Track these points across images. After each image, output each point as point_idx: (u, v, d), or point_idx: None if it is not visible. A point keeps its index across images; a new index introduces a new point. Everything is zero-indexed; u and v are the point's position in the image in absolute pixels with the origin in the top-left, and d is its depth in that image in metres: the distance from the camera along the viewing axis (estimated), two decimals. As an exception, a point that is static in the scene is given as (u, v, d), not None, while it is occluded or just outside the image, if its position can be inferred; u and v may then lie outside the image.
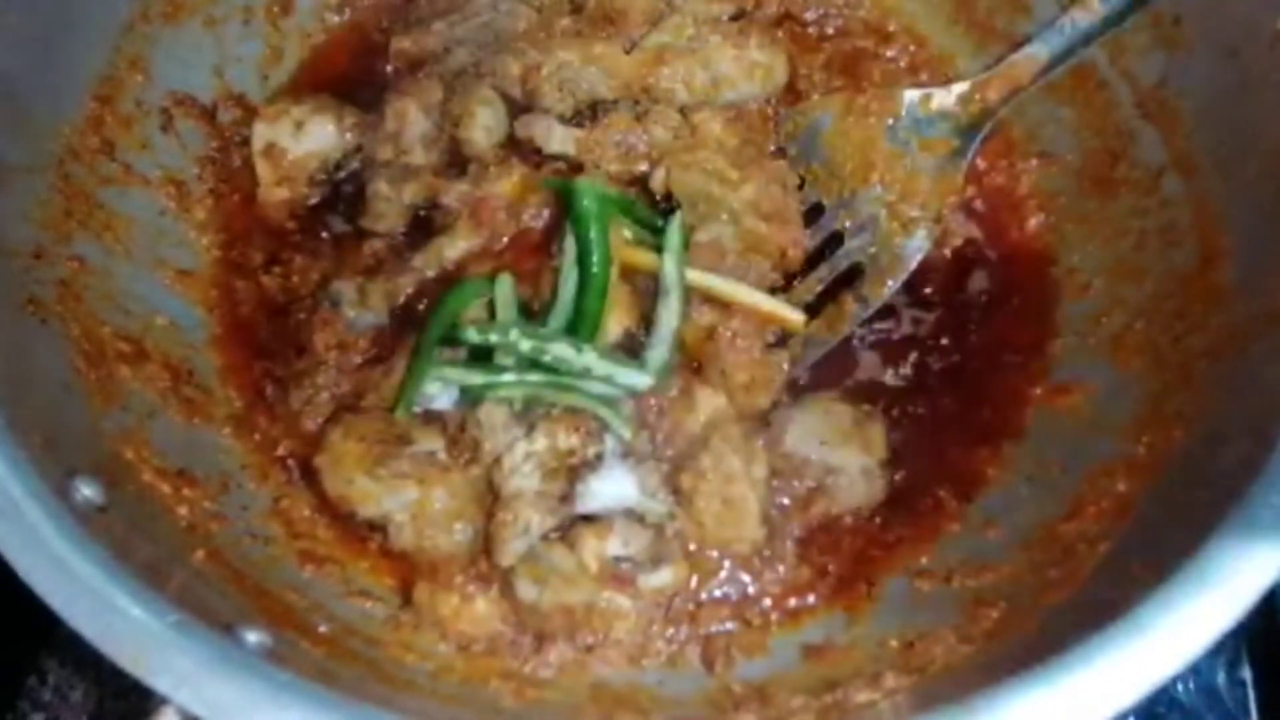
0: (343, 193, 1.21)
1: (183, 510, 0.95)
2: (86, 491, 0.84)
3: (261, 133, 1.19)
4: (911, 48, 1.29)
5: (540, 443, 1.00)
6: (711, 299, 1.07)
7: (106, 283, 1.05)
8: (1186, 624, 0.74)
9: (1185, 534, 0.79)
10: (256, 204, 1.20)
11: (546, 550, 0.97)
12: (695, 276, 1.06)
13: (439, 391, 1.04)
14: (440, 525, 1.01)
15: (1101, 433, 1.02)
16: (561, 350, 1.01)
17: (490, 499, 1.01)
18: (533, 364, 1.02)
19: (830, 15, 1.31)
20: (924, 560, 1.04)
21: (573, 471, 1.00)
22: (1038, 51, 1.13)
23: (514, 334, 1.01)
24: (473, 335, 1.02)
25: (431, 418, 1.05)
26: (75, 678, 1.11)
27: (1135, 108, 1.13)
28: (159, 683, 0.72)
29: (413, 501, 1.01)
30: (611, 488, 0.99)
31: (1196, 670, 1.11)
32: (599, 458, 1.00)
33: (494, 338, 1.02)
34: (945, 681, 0.88)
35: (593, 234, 1.04)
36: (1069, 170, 1.19)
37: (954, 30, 1.29)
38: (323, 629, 0.93)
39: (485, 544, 1.00)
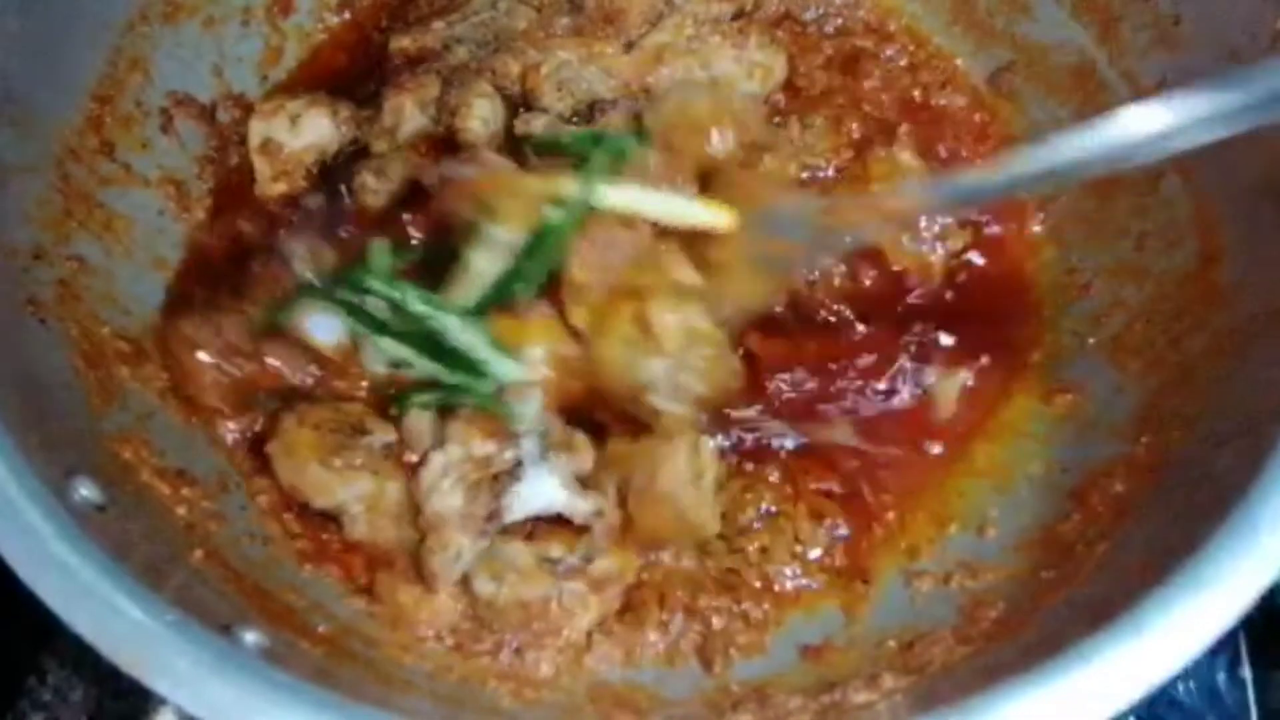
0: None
1: (181, 510, 0.95)
2: (85, 491, 0.84)
3: (258, 129, 1.19)
4: (911, 47, 1.29)
5: (455, 452, 0.97)
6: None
7: (106, 283, 1.05)
8: (1186, 624, 0.74)
9: (1185, 534, 0.79)
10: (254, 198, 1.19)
11: (502, 546, 0.97)
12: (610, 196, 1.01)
13: (321, 320, 1.03)
14: (395, 517, 1.00)
15: (1100, 433, 1.02)
16: (446, 320, 0.99)
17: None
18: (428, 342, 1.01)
19: (830, 15, 1.31)
20: (922, 560, 1.04)
21: (495, 482, 0.98)
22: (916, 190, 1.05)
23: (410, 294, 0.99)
24: (375, 283, 1.00)
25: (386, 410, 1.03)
26: (75, 678, 1.11)
27: (1135, 108, 1.12)
28: (157, 683, 0.72)
29: (367, 494, 0.99)
30: (536, 495, 0.97)
31: (1196, 670, 1.11)
32: (518, 464, 0.98)
33: (393, 292, 1.00)
34: (944, 682, 0.88)
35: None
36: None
37: (953, 30, 1.29)
38: (321, 629, 0.93)
39: (418, 568, 0.98)
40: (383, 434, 1.02)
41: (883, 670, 0.91)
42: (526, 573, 0.97)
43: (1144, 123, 0.81)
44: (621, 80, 1.19)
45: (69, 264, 1.02)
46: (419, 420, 1.00)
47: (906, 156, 1.18)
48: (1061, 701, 0.73)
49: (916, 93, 1.27)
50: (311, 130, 1.18)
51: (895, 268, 1.15)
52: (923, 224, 1.14)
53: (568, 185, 0.99)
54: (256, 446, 1.05)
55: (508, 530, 0.99)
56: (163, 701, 0.73)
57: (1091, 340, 1.10)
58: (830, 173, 1.20)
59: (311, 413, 1.02)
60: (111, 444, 0.95)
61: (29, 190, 1.01)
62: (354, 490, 0.99)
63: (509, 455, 0.98)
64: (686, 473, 0.98)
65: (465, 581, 0.98)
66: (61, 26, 1.05)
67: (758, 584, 1.04)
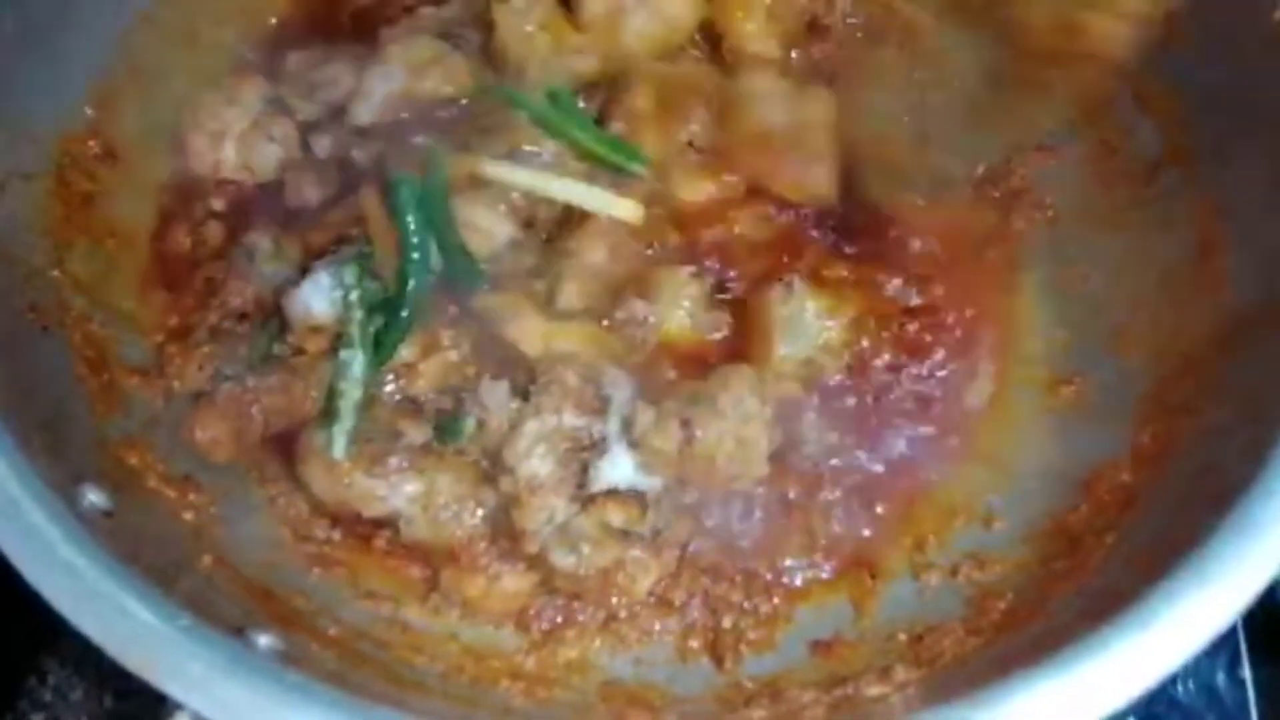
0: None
1: (189, 515, 0.95)
2: (92, 498, 0.84)
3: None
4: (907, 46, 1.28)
5: (549, 420, 0.99)
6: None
7: (107, 289, 1.05)
8: (1193, 616, 0.75)
9: (1191, 525, 0.80)
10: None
11: (572, 519, 0.98)
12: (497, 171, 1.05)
13: (311, 292, 1.03)
14: (452, 510, 1.00)
15: (1106, 424, 1.03)
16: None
17: (497, 475, 1.00)
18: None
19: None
20: (930, 553, 1.04)
21: (582, 454, 1.00)
22: None
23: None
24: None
25: (408, 407, 1.04)
26: (75, 678, 1.10)
27: (1133, 100, 1.13)
28: (171, 688, 0.72)
29: (420, 493, 1.00)
30: (616, 469, 1.00)
31: (1196, 670, 1.11)
32: (603, 439, 1.00)
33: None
34: (955, 674, 0.88)
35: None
36: (1066, 163, 1.19)
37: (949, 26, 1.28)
38: (332, 631, 0.93)
39: (509, 528, 0.99)
40: (416, 432, 1.02)
41: (894, 663, 0.91)
42: (598, 541, 0.98)
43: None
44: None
45: (70, 270, 1.02)
46: (496, 390, 1.01)
47: None
48: (1072, 692, 0.73)
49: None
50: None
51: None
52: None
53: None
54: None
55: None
56: (178, 705, 0.73)
57: (1094, 331, 1.10)
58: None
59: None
60: (117, 450, 0.95)
61: (29, 197, 1.00)
62: (406, 493, 1.00)
63: (596, 430, 1.00)
64: (748, 403, 1.01)
65: (537, 561, 0.99)
66: (62, 33, 1.04)
67: (768, 575, 1.04)
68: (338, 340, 1.02)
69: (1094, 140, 1.17)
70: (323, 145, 1.16)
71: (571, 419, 1.00)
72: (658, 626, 1.02)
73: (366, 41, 1.19)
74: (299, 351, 1.04)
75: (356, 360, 1.01)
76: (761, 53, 1.22)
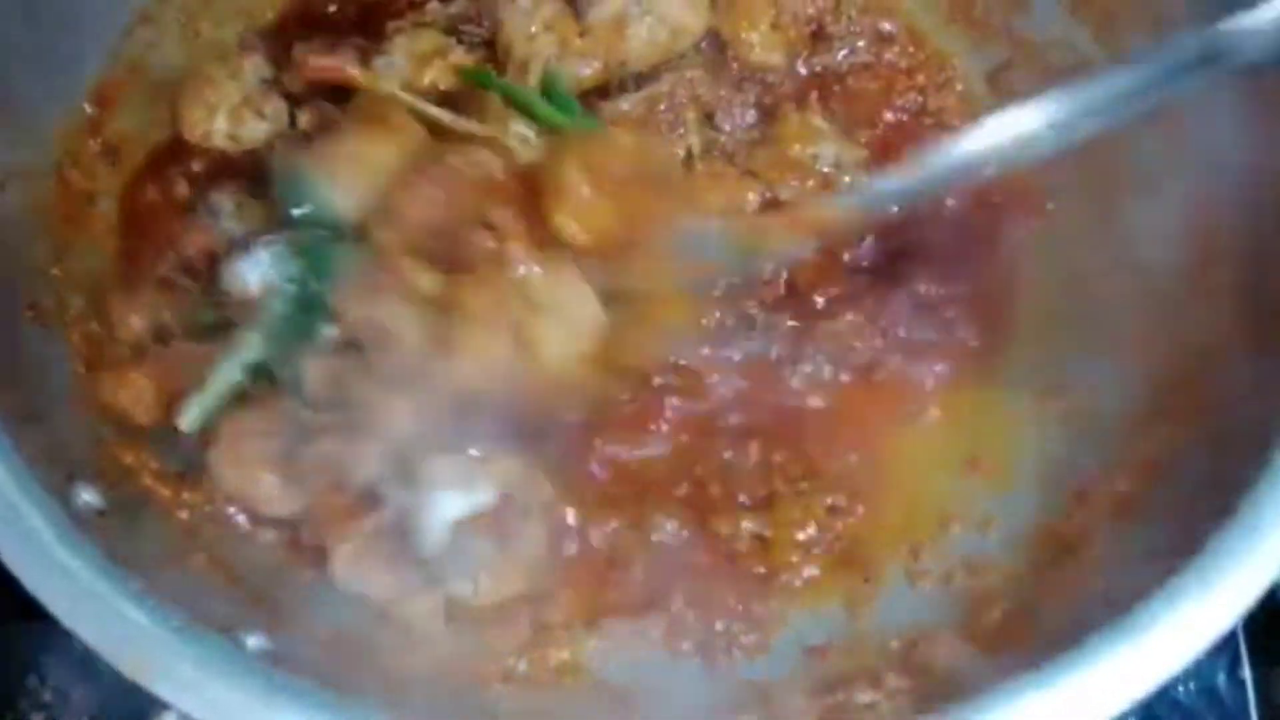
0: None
1: (183, 514, 0.96)
2: (86, 496, 0.84)
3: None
4: (910, 49, 1.28)
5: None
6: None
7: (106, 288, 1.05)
8: (1190, 622, 0.74)
9: (1187, 532, 0.79)
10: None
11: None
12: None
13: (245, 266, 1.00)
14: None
15: (1102, 431, 1.02)
16: None
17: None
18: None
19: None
20: (924, 559, 1.04)
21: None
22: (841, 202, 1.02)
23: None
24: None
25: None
26: (75, 678, 1.11)
27: (1133, 103, 1.12)
28: (160, 688, 0.72)
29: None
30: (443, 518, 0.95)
31: (1197, 670, 1.11)
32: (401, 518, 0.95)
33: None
34: (948, 681, 0.88)
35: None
36: (1067, 169, 1.19)
37: (951, 29, 1.28)
38: (323, 632, 0.93)
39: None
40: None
41: (886, 670, 0.91)
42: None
43: (1045, 114, 0.90)
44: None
45: (69, 269, 1.02)
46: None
47: (817, 120, 1.18)
48: (1066, 700, 0.73)
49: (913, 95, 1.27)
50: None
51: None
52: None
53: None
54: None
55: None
56: (165, 705, 0.73)
57: (1092, 338, 1.10)
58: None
59: (247, 412, 0.97)
60: (113, 449, 0.95)
61: (28, 195, 1.00)
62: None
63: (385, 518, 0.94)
64: None
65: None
66: (61, 31, 1.05)
67: (762, 569, 1.04)
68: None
69: (1095, 145, 1.16)
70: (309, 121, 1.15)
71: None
72: (650, 629, 1.01)
73: (370, 35, 1.19)
74: (226, 324, 1.01)
75: (252, 347, 0.98)
76: (766, 61, 1.23)
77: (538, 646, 1.00)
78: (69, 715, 1.10)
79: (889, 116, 1.24)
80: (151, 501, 0.94)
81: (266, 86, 1.17)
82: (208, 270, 1.05)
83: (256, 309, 0.99)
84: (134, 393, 0.99)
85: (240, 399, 0.99)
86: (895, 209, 0.99)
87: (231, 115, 1.14)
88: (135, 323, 1.03)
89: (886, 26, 1.28)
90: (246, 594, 0.91)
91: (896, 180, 0.97)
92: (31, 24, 1.00)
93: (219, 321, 1.02)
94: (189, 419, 0.97)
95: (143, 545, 0.86)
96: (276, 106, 1.16)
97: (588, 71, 1.18)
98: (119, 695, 1.09)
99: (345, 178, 1.00)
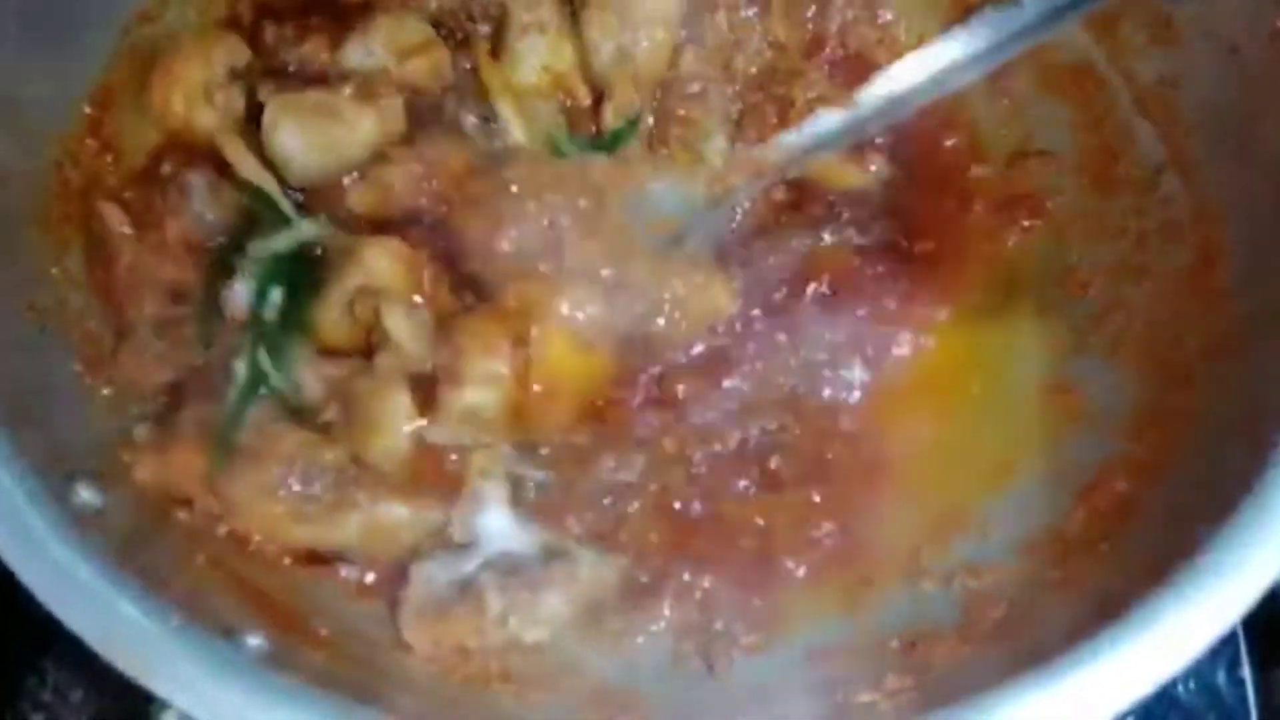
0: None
1: (182, 514, 0.95)
2: (86, 495, 0.84)
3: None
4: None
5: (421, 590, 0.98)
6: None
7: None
8: (1189, 624, 0.75)
9: (1188, 533, 0.80)
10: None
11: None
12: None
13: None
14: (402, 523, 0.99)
15: (1102, 432, 1.02)
16: None
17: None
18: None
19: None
20: (924, 560, 1.04)
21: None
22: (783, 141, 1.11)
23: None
24: None
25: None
26: (75, 678, 1.11)
27: (1134, 105, 1.12)
28: (160, 687, 0.72)
29: (361, 524, 0.98)
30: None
31: (1196, 670, 1.11)
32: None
33: None
34: (947, 683, 0.88)
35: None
36: (1068, 168, 1.19)
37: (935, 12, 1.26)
38: (324, 633, 0.93)
39: None
40: (335, 454, 0.99)
41: (886, 670, 0.91)
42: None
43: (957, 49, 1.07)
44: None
45: (68, 269, 1.02)
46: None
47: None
48: (1065, 701, 0.73)
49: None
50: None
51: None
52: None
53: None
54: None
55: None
56: (164, 705, 0.73)
57: (1092, 339, 1.10)
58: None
59: (252, 468, 0.97)
60: (112, 448, 0.95)
61: (27, 195, 1.00)
62: (349, 526, 0.98)
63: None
64: None
65: None
66: (60, 31, 1.04)
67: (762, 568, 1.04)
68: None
69: (1094, 145, 1.17)
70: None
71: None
72: (650, 628, 1.01)
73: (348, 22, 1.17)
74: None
75: (257, 364, 1.00)
76: None
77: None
78: (69, 715, 1.10)
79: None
80: (151, 502, 0.94)
81: (233, 73, 1.15)
82: (200, 280, 1.06)
83: (250, 328, 1.01)
84: (180, 468, 0.98)
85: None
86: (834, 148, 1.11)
87: (187, 98, 1.12)
88: (154, 374, 1.03)
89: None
90: (246, 594, 0.91)
91: (834, 119, 1.09)
92: (31, 24, 1.00)
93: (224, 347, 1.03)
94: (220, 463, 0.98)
95: (142, 545, 0.86)
96: (228, 95, 1.14)
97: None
98: (119, 695, 1.09)
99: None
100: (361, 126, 1.08)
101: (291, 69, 1.15)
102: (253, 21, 1.19)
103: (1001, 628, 0.93)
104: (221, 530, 0.97)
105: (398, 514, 0.99)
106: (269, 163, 1.09)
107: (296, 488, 0.96)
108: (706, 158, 1.15)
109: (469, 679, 0.96)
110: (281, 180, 1.09)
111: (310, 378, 1.01)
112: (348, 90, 1.08)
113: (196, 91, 1.12)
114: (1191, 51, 1.06)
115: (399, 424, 0.99)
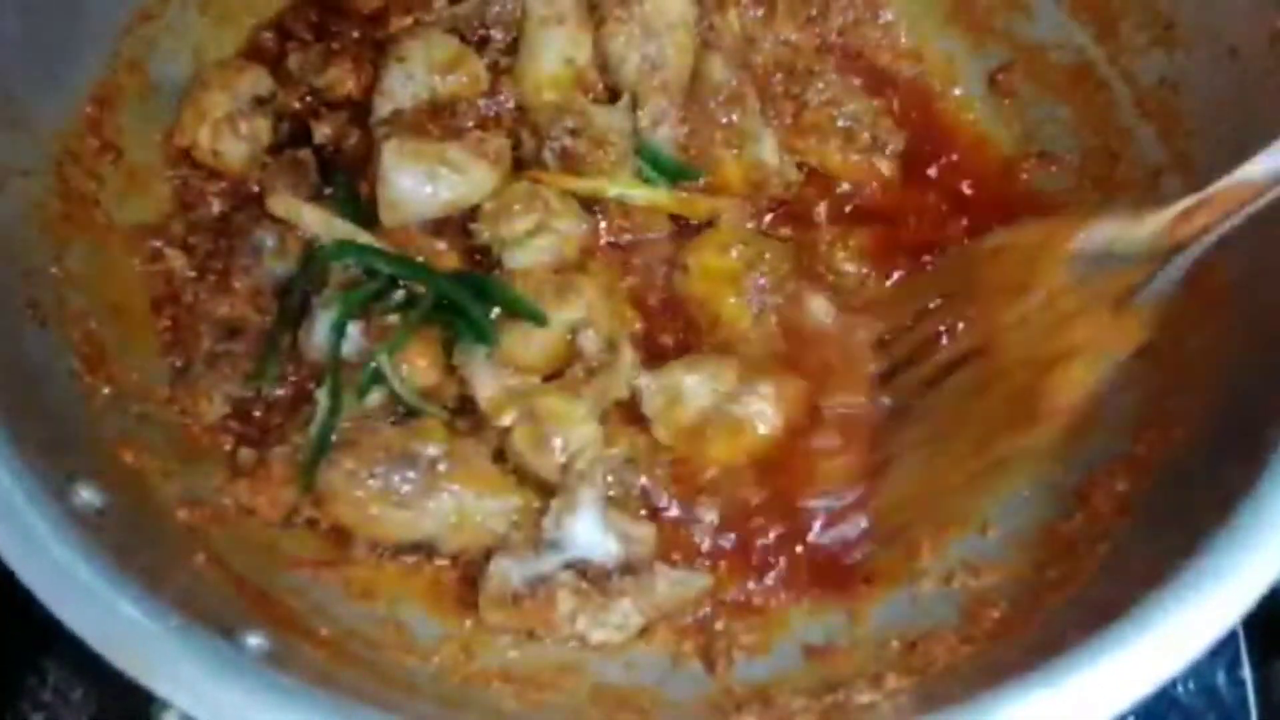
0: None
1: (182, 513, 0.95)
2: (86, 495, 0.84)
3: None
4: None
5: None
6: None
7: (105, 287, 1.05)
8: (1189, 624, 0.75)
9: (1187, 533, 0.80)
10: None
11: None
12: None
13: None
14: (484, 516, 1.01)
15: (1102, 432, 1.02)
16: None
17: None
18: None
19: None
20: (924, 560, 1.04)
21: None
22: (1251, 174, 0.89)
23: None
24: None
25: (411, 419, 1.04)
26: (75, 678, 1.10)
27: (1135, 107, 1.13)
28: (160, 687, 0.72)
29: (451, 509, 1.00)
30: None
31: (1196, 670, 1.11)
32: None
33: None
34: (947, 682, 0.88)
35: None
36: (1068, 169, 1.19)
37: (951, 30, 1.28)
38: (324, 632, 0.93)
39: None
40: (430, 447, 1.01)
41: (886, 670, 0.91)
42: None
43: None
44: None
45: (69, 268, 1.02)
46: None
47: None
48: (1065, 701, 0.73)
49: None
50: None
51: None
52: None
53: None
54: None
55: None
56: (165, 705, 0.73)
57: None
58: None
59: (349, 457, 1.00)
60: (113, 448, 0.95)
61: (27, 193, 1.00)
62: (440, 514, 0.99)
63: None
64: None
65: None
66: (60, 29, 1.04)
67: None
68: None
69: (1094, 146, 1.17)
70: (323, 133, 1.16)
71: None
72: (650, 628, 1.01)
73: (369, 42, 1.20)
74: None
75: (336, 400, 1.02)
76: None
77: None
78: (69, 715, 1.10)
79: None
80: (151, 501, 0.94)
81: (259, 103, 1.17)
82: (264, 319, 1.09)
83: (328, 366, 1.04)
84: (269, 497, 1.01)
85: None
86: None
87: (213, 130, 1.14)
88: (207, 409, 1.06)
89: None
90: (246, 594, 0.91)
91: None
92: (31, 23, 1.00)
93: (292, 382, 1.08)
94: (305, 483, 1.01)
95: (143, 545, 0.86)
96: (256, 126, 1.16)
97: None
98: (119, 695, 1.09)
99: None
100: (476, 175, 1.11)
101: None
102: (278, 52, 1.22)
103: (1001, 628, 0.93)
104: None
105: (488, 505, 1.01)
106: (357, 200, 1.12)
107: (393, 477, 0.99)
108: (762, 159, 1.16)
109: (469, 678, 0.96)
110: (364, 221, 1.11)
111: (489, 385, 1.03)
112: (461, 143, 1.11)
113: (222, 123, 1.14)
114: (1192, 53, 1.06)
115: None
